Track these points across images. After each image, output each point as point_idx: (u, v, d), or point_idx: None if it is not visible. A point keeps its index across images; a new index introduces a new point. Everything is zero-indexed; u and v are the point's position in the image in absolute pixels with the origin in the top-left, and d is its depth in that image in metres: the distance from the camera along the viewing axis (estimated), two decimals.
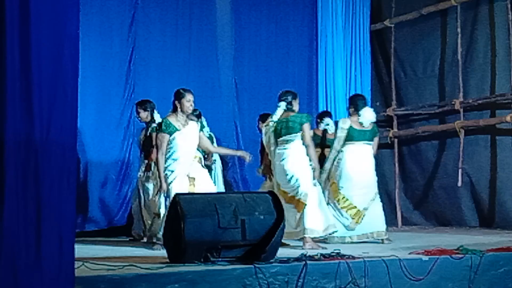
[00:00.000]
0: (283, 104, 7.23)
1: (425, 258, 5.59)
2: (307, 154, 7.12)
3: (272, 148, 7.27)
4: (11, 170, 3.93)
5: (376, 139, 7.81)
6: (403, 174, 10.94)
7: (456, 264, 5.62)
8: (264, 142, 7.43)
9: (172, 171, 6.79)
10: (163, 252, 5.42)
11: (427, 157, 10.66)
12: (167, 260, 5.18)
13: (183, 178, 6.80)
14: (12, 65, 3.97)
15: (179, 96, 6.93)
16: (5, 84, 3.95)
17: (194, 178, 6.86)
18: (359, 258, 5.36)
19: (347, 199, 7.54)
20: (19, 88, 3.99)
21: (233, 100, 9.97)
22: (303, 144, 7.13)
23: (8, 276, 3.83)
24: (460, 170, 9.74)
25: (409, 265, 5.42)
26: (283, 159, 7.12)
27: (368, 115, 7.65)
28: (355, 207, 7.52)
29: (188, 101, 6.89)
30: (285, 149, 7.14)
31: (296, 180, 7.01)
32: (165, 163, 6.83)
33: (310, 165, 7.09)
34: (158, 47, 9.62)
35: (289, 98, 7.24)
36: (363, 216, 7.52)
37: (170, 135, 6.84)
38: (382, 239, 7.49)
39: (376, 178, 7.72)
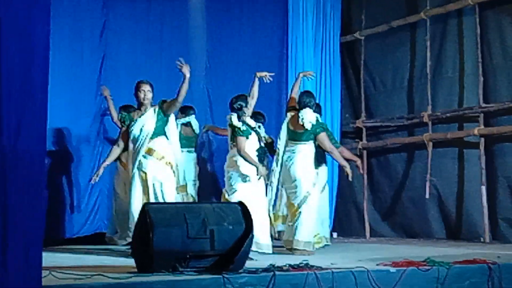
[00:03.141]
0: None
1: (392, 269, 5.61)
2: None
3: None
4: None
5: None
6: (372, 186, 11.00)
7: (423, 276, 5.65)
8: None
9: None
10: (132, 261, 5.40)
11: (395, 169, 10.73)
12: (136, 270, 5.16)
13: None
14: None
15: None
16: None
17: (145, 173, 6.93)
18: (327, 269, 5.38)
19: None
20: None
21: (206, 110, 9.97)
22: None
23: None
24: (427, 183, 9.81)
25: (377, 277, 5.43)
26: None
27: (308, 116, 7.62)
28: None
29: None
30: None
31: None
32: None
33: None
34: (128, 55, 9.58)
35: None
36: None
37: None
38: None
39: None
